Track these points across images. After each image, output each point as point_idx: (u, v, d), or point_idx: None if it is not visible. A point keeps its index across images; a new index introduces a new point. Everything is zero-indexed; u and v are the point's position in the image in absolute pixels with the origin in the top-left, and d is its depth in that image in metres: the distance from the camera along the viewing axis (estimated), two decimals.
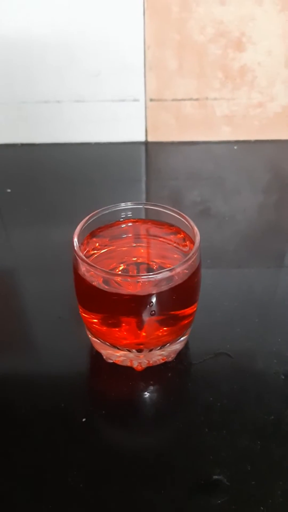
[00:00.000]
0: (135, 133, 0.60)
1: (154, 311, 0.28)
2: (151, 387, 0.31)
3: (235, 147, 0.60)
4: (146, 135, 0.60)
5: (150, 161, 0.61)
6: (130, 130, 0.60)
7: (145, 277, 0.27)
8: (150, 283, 0.27)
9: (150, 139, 0.61)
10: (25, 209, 0.50)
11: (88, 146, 0.61)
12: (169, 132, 0.60)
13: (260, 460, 0.27)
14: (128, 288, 0.28)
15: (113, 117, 0.59)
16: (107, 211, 0.30)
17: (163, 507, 0.25)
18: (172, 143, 0.61)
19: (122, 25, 0.52)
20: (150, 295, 0.27)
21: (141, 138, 0.61)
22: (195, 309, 0.31)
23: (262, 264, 0.42)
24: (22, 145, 0.61)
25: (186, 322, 0.30)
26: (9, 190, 0.52)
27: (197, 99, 0.57)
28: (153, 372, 0.31)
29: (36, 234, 0.46)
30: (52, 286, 0.39)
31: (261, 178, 0.56)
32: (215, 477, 0.26)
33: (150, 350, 0.30)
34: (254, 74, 0.55)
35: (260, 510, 0.25)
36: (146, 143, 0.61)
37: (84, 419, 0.29)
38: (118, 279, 0.27)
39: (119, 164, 0.59)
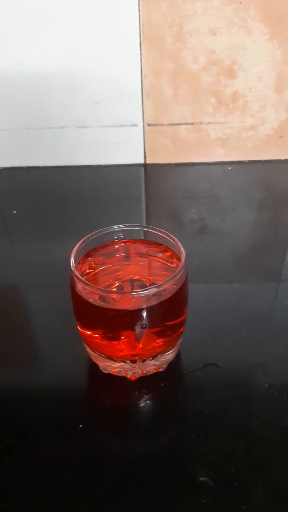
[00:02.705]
0: (134, 156, 0.63)
1: (145, 324, 0.30)
2: (144, 396, 0.33)
3: (229, 168, 0.63)
4: (145, 158, 0.63)
5: (149, 182, 0.63)
6: (130, 153, 0.63)
7: (135, 293, 0.29)
8: (142, 298, 0.29)
9: (148, 161, 0.64)
10: (29, 229, 0.53)
11: (90, 168, 0.64)
12: (166, 154, 0.63)
13: (243, 463, 0.29)
14: (122, 303, 0.30)
15: (113, 141, 0.62)
16: (102, 233, 0.33)
17: (152, 507, 0.27)
18: (170, 165, 0.64)
19: (120, 56, 0.56)
20: (142, 309, 0.30)
21: (140, 160, 0.64)
22: (184, 320, 0.33)
23: (251, 279, 0.44)
24: (28, 168, 0.64)
25: (176, 332, 0.33)
26: (15, 212, 0.56)
27: (192, 123, 0.60)
28: (146, 382, 0.34)
29: (39, 252, 0.49)
30: (54, 301, 0.41)
31: (255, 197, 0.59)
32: (201, 479, 0.28)
33: (144, 361, 0.33)
34: (245, 99, 0.58)
35: (242, 509, 0.26)
36: (145, 165, 0.64)
37: (81, 426, 0.31)
38: (112, 295, 0.30)
39: (120, 185, 0.62)
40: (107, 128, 0.61)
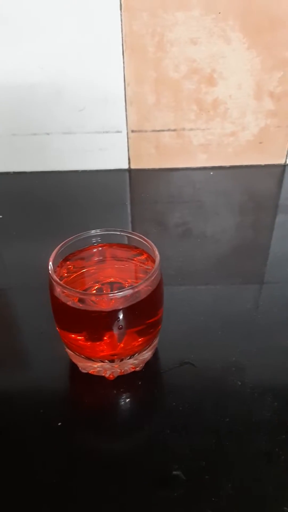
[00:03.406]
0: (119, 162, 0.65)
1: (122, 324, 0.31)
2: (122, 394, 0.34)
3: (211, 173, 0.64)
4: (129, 163, 0.65)
5: (133, 187, 0.65)
6: (114, 158, 0.64)
7: (111, 295, 0.31)
8: (119, 300, 0.31)
9: (133, 166, 0.65)
10: (14, 233, 0.54)
11: (76, 173, 0.66)
12: (150, 160, 0.64)
13: (214, 457, 0.30)
14: (101, 305, 0.32)
15: (98, 147, 0.63)
16: (80, 238, 0.34)
17: (127, 500, 0.28)
18: (153, 170, 0.65)
19: (104, 64, 0.57)
20: (119, 310, 0.31)
21: (124, 166, 0.65)
22: (160, 319, 0.34)
23: (229, 282, 0.45)
24: (14, 173, 0.66)
25: (153, 332, 0.34)
26: (0, 216, 0.57)
27: (174, 130, 0.62)
28: (123, 381, 0.35)
29: (24, 256, 0.50)
30: (37, 303, 0.42)
31: (237, 201, 0.60)
32: (174, 472, 0.29)
33: (122, 360, 0.34)
34: (226, 106, 0.60)
35: (212, 500, 0.28)
36: (129, 170, 0.65)
37: (59, 423, 0.32)
38: (91, 297, 0.31)
39: (105, 190, 0.64)
40: (92, 134, 0.62)
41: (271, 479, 0.29)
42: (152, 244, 0.33)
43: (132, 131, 0.62)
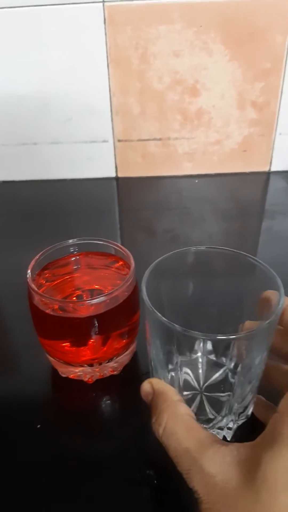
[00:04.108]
0: (106, 170, 0.66)
1: (100, 329, 0.33)
2: (99, 397, 0.35)
3: (196, 181, 0.66)
4: (116, 172, 0.66)
5: (121, 195, 0.66)
6: (102, 167, 0.66)
7: (88, 302, 0.32)
8: (97, 305, 0.32)
9: (120, 175, 0.67)
10: (3, 242, 0.55)
11: (64, 182, 0.67)
12: (136, 168, 0.66)
13: None
14: (82, 312, 0.33)
15: (85, 156, 0.65)
16: (58, 247, 0.35)
17: (104, 498, 0.29)
18: (140, 178, 0.67)
19: (90, 76, 0.59)
20: (96, 316, 0.32)
21: (112, 174, 0.67)
22: (137, 323, 0.36)
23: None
24: (4, 182, 0.67)
25: (130, 336, 0.35)
26: None
27: (160, 139, 0.63)
28: (102, 384, 0.36)
29: (10, 263, 0.51)
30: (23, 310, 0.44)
31: (223, 207, 0.62)
32: (147, 471, 0.30)
33: (101, 364, 0.35)
34: (210, 115, 0.61)
35: (181, 500, 0.29)
36: (116, 179, 0.67)
37: (39, 426, 0.33)
38: (70, 304, 0.32)
39: (93, 198, 0.65)
40: (79, 144, 0.64)
41: None
42: (127, 251, 0.34)
43: (119, 140, 0.63)
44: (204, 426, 0.31)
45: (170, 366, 0.32)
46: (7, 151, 0.64)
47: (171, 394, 0.27)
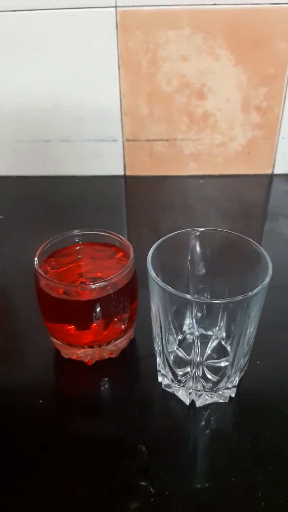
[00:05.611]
0: (115, 168, 0.69)
1: (101, 313, 0.35)
2: (98, 377, 0.38)
3: (201, 181, 0.68)
4: (125, 170, 0.69)
5: (129, 193, 0.69)
6: (111, 165, 0.69)
7: (93, 285, 0.35)
8: (98, 290, 0.35)
9: (128, 173, 0.69)
10: (15, 233, 0.58)
11: (75, 179, 0.70)
12: (144, 167, 0.68)
13: (175, 434, 0.33)
14: (84, 296, 0.35)
15: (95, 154, 0.68)
16: (64, 237, 0.38)
17: (97, 470, 0.31)
18: (148, 177, 0.69)
19: (101, 78, 0.62)
20: (98, 300, 0.35)
21: (120, 172, 0.69)
22: (135, 309, 0.38)
23: None
24: (17, 177, 0.70)
25: (130, 320, 0.38)
26: (1, 217, 0.61)
27: (167, 140, 0.66)
28: (101, 367, 0.39)
29: (21, 254, 0.54)
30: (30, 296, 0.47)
31: (226, 208, 0.64)
32: (139, 446, 0.33)
33: (100, 346, 0.38)
34: (215, 118, 0.64)
35: (170, 471, 0.31)
36: (125, 177, 0.70)
37: (41, 401, 0.36)
38: (68, 288, 0.35)
39: (101, 194, 0.68)
40: (90, 142, 0.67)
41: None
42: (127, 242, 0.37)
43: (127, 140, 0.66)
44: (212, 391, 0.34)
45: (170, 349, 0.35)
46: (21, 148, 0.67)
47: None
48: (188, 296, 0.30)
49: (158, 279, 0.31)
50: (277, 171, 0.68)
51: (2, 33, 0.59)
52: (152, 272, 0.31)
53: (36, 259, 0.36)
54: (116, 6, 0.57)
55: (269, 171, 0.69)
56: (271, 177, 0.69)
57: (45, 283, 0.35)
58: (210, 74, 0.61)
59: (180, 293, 0.30)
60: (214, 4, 0.56)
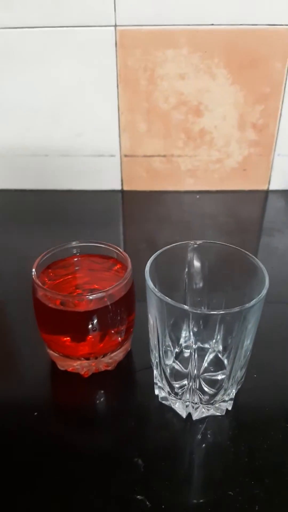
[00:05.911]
0: (112, 183, 0.70)
1: (96, 328, 0.35)
2: (94, 390, 0.38)
3: (198, 196, 0.69)
4: (122, 185, 0.70)
5: (126, 207, 0.70)
6: (108, 180, 0.69)
7: (90, 296, 0.35)
8: (95, 301, 0.35)
9: (125, 188, 0.70)
10: (13, 247, 0.58)
11: (72, 193, 0.70)
12: (141, 182, 0.69)
13: (171, 448, 0.33)
14: (81, 307, 0.36)
15: (93, 169, 0.68)
16: (62, 248, 0.38)
17: (93, 480, 0.31)
18: (145, 192, 0.70)
19: (100, 94, 0.63)
20: (95, 311, 0.35)
21: (117, 187, 0.70)
22: (133, 321, 0.38)
23: None
24: (16, 190, 0.71)
25: (126, 332, 0.38)
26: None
27: (164, 156, 0.67)
28: (97, 379, 0.38)
29: (19, 268, 0.54)
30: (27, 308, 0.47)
31: (222, 223, 0.64)
32: (135, 459, 0.32)
33: (96, 358, 0.38)
34: (211, 135, 0.65)
35: (165, 484, 0.31)
36: (122, 192, 0.70)
37: (36, 413, 0.36)
38: (66, 299, 0.35)
39: (99, 209, 0.68)
40: (88, 158, 0.67)
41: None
42: (125, 254, 0.37)
43: (125, 155, 0.67)
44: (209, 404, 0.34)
45: (167, 362, 0.35)
46: (20, 162, 0.68)
47: None
48: (186, 307, 0.30)
49: (156, 289, 0.31)
50: (272, 187, 0.69)
51: (4, 49, 0.60)
52: (150, 283, 0.31)
53: (33, 270, 0.36)
54: (115, 25, 0.58)
55: (264, 187, 0.69)
56: (266, 193, 0.69)
57: (43, 293, 0.35)
58: (207, 92, 0.62)
59: (177, 303, 0.30)
60: (212, 24, 0.58)
